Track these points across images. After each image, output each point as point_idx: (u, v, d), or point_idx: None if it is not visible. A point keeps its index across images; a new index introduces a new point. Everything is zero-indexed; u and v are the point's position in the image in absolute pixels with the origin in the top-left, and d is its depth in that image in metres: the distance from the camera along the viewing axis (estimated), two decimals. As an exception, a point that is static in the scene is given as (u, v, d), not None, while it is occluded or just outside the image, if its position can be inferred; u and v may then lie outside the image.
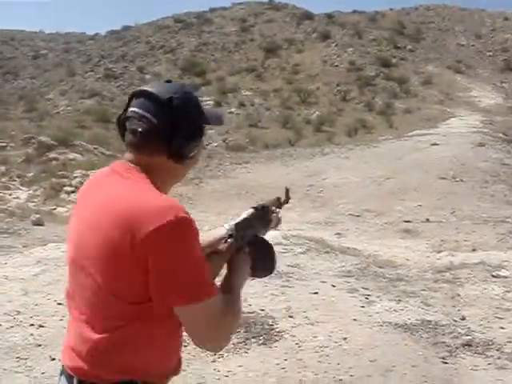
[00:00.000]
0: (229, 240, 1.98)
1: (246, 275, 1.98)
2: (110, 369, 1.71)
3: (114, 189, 1.75)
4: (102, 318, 1.71)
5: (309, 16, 59.13)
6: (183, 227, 1.64)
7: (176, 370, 1.90)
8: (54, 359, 4.44)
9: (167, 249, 1.61)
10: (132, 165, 1.80)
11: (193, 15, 62.11)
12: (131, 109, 1.81)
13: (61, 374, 1.84)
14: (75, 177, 17.35)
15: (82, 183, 16.88)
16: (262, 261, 2.02)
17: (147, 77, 45.40)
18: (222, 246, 1.97)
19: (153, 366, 1.77)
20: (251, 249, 1.99)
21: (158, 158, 1.78)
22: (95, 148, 22.04)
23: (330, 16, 58.93)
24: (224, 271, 1.96)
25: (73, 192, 16.44)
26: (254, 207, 2.11)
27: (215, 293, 1.69)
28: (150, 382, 1.77)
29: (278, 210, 2.22)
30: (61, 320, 5.22)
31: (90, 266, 1.72)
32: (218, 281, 1.88)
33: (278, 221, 2.22)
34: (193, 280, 1.64)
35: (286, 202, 2.28)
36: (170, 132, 1.75)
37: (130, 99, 1.84)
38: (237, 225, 2.02)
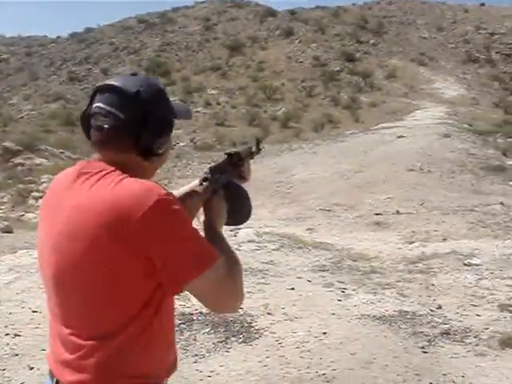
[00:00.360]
0: (204, 183, 1.99)
1: (224, 218, 1.96)
2: (114, 377, 1.65)
3: (87, 190, 1.65)
4: (98, 327, 1.65)
5: (272, 13, 59.15)
6: (170, 203, 1.59)
7: (175, 364, 1.86)
8: (32, 368, 4.37)
9: (163, 229, 1.56)
10: (100, 162, 1.72)
11: (155, 15, 61.67)
12: (96, 104, 1.73)
13: None
14: (42, 182, 17.15)
15: (49, 188, 16.72)
16: (238, 206, 2.03)
17: (111, 78, 44.89)
18: (199, 189, 1.98)
19: (155, 365, 1.72)
20: (226, 192, 1.99)
21: (126, 156, 1.70)
22: (61, 152, 21.82)
23: (292, 12, 59.03)
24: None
25: (41, 197, 16.23)
26: (227, 153, 2.12)
27: (218, 255, 1.64)
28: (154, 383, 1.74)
29: (249, 159, 2.22)
30: (37, 328, 5.14)
31: (75, 276, 1.64)
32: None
33: (249, 171, 2.20)
34: (198, 249, 1.60)
35: (258, 152, 2.28)
36: (138, 127, 1.67)
37: (94, 94, 1.75)
38: (211, 168, 2.03)
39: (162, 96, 1.78)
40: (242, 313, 5.53)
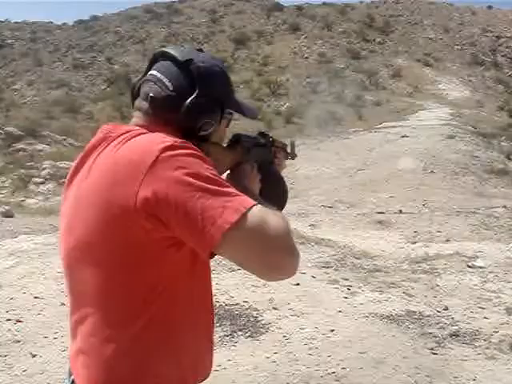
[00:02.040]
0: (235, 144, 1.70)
1: (257, 191, 1.68)
2: (128, 375, 1.43)
3: (103, 152, 1.46)
4: (118, 313, 1.42)
5: (278, 8, 59.03)
6: (177, 151, 1.35)
7: (209, 367, 1.64)
8: (34, 356, 4.29)
9: (173, 183, 1.30)
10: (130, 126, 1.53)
11: (162, 5, 61.51)
12: (150, 72, 1.59)
13: None
14: (44, 168, 17.09)
15: (50, 174, 16.65)
16: (274, 190, 1.75)
17: (116, 67, 44.91)
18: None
19: (182, 364, 1.50)
20: (260, 171, 1.72)
21: (166, 130, 1.47)
22: (64, 139, 21.74)
23: (299, 8, 58.93)
24: None
25: (42, 183, 16.19)
26: (260, 132, 1.86)
27: (251, 201, 1.33)
28: None
29: (282, 154, 1.92)
30: (39, 314, 5.08)
31: (89, 251, 1.43)
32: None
33: (283, 165, 1.95)
34: (226, 195, 1.32)
35: (292, 156, 1.97)
36: (184, 100, 1.49)
37: (152, 62, 1.61)
38: (242, 134, 1.74)
39: (220, 76, 1.60)
40: (247, 307, 5.47)
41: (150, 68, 1.61)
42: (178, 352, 1.49)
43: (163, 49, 1.61)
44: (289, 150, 1.96)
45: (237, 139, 1.72)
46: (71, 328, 1.54)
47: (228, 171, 1.70)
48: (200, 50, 1.64)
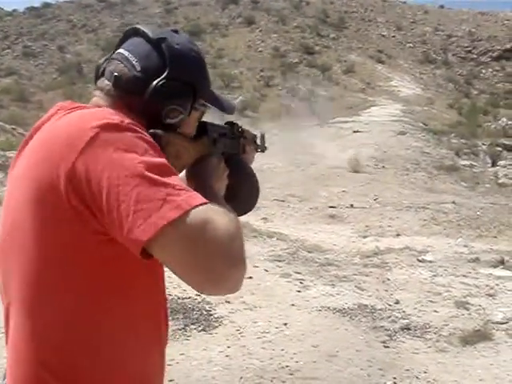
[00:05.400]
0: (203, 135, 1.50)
1: (224, 185, 1.51)
2: None
3: (43, 129, 1.30)
4: (35, 315, 1.24)
5: (234, 0, 58.86)
6: (126, 130, 1.20)
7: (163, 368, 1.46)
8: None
9: (112, 161, 1.14)
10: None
11: (115, -5, 60.68)
12: (118, 50, 1.42)
13: None
14: (-8, 157, 16.68)
15: (-1, 164, 16.29)
16: (243, 187, 1.57)
17: (68, 56, 44.09)
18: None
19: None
20: (227, 163, 1.53)
21: (128, 115, 1.29)
22: (13, 128, 21.26)
23: (254, 1, 58.86)
24: None
25: (-10, 173, 15.78)
26: (228, 122, 1.65)
27: (200, 199, 1.14)
28: None
29: (252, 146, 1.73)
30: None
31: (18, 238, 1.25)
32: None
33: (252, 158, 1.74)
34: (164, 186, 1.13)
35: (262, 149, 1.80)
36: (151, 82, 1.34)
37: (121, 41, 1.45)
38: (207, 123, 1.53)
39: (195, 62, 1.43)
40: (199, 300, 5.43)
41: (118, 46, 1.44)
42: (113, 361, 1.27)
43: (135, 25, 1.46)
44: (258, 142, 1.79)
45: (202, 128, 1.51)
46: (5, 325, 1.34)
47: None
48: (175, 32, 1.47)
